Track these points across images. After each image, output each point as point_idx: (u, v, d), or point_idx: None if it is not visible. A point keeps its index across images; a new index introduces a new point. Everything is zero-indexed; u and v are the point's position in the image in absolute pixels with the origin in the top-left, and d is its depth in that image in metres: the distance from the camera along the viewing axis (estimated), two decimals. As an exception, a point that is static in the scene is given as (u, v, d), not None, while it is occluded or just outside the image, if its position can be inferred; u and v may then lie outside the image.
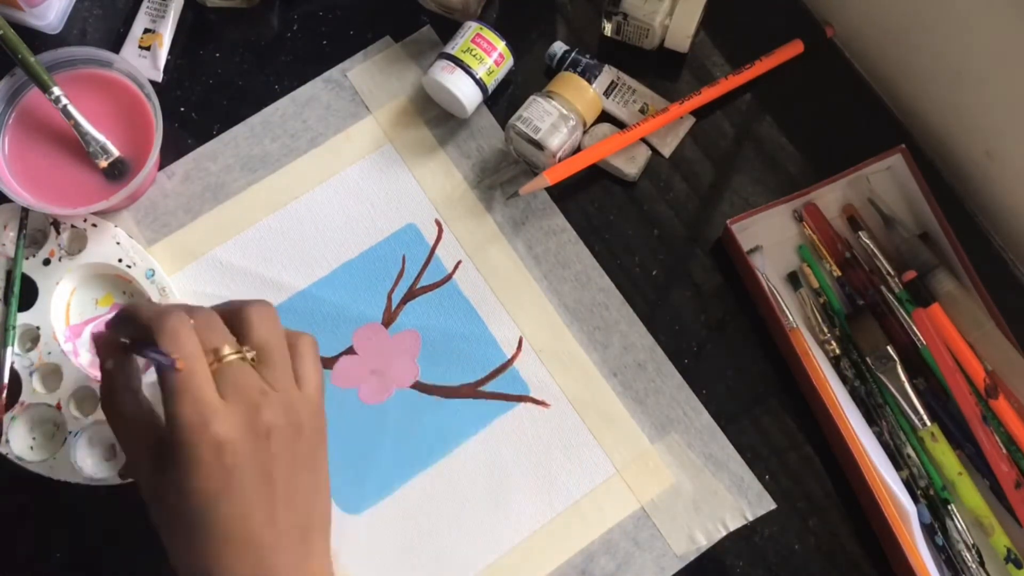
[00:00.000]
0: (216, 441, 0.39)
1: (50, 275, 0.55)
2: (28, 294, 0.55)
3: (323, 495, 0.44)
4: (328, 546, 0.44)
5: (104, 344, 0.43)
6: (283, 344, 0.43)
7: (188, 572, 0.40)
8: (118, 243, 0.56)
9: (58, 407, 0.53)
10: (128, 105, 0.56)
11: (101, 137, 0.54)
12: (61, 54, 0.55)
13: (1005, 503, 0.53)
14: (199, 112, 0.60)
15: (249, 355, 0.42)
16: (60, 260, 0.55)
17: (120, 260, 0.55)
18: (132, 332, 0.43)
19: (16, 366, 0.54)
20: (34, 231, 0.56)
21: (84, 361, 0.55)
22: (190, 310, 0.42)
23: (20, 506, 0.54)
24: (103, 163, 0.54)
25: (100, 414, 0.53)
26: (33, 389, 0.54)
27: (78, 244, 0.56)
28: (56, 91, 0.54)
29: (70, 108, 0.54)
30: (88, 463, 0.53)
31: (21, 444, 0.53)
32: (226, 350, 0.41)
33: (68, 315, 0.56)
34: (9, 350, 0.54)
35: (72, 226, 0.56)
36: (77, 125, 0.54)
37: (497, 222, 0.58)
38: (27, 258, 0.55)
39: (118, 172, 0.55)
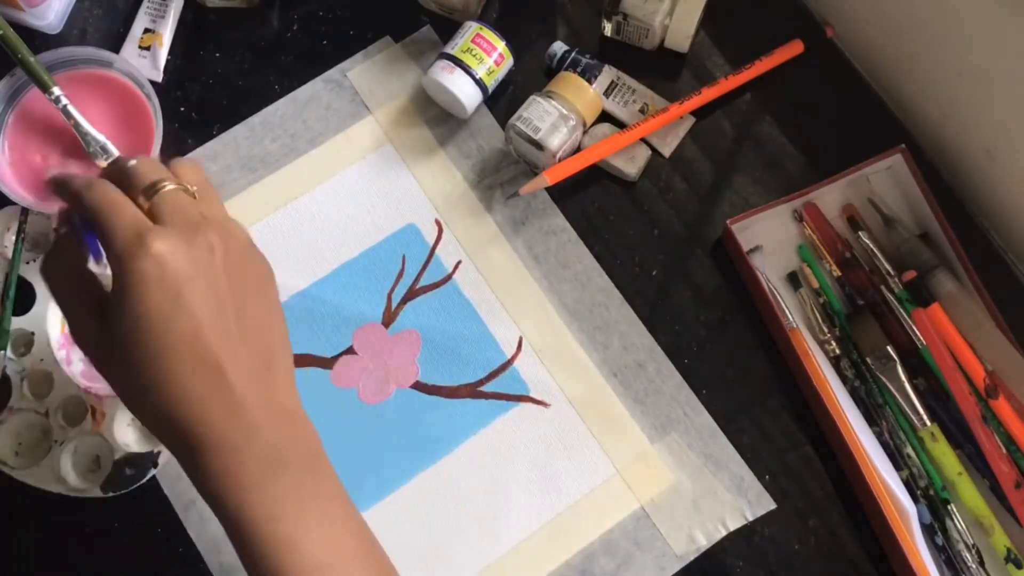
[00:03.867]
0: (159, 257, 0.37)
1: None
2: (26, 299, 0.55)
3: (279, 332, 0.42)
4: (294, 387, 0.42)
5: (61, 212, 0.42)
6: (212, 187, 0.42)
7: (153, 411, 0.38)
8: None
9: (46, 415, 0.53)
10: (128, 105, 0.56)
11: (101, 137, 0.54)
12: (61, 54, 0.55)
13: (1005, 503, 0.53)
14: (199, 112, 0.60)
15: (191, 188, 0.41)
16: (60, 266, 0.55)
17: None
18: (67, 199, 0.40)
19: (7, 370, 0.54)
20: (37, 235, 0.56)
21: (76, 370, 0.55)
22: (124, 159, 0.41)
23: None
24: (103, 163, 0.54)
25: (88, 425, 0.53)
26: (23, 395, 0.54)
27: (79, 251, 0.56)
28: (56, 91, 0.54)
29: (70, 108, 0.54)
30: (72, 473, 0.53)
31: (6, 449, 0.53)
32: (165, 183, 0.39)
33: (64, 322, 0.56)
34: (1, 354, 0.54)
35: None
36: (77, 125, 0.54)
37: (497, 222, 0.58)
38: (28, 262, 0.55)
39: None
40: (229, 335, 0.39)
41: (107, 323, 0.38)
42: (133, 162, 0.40)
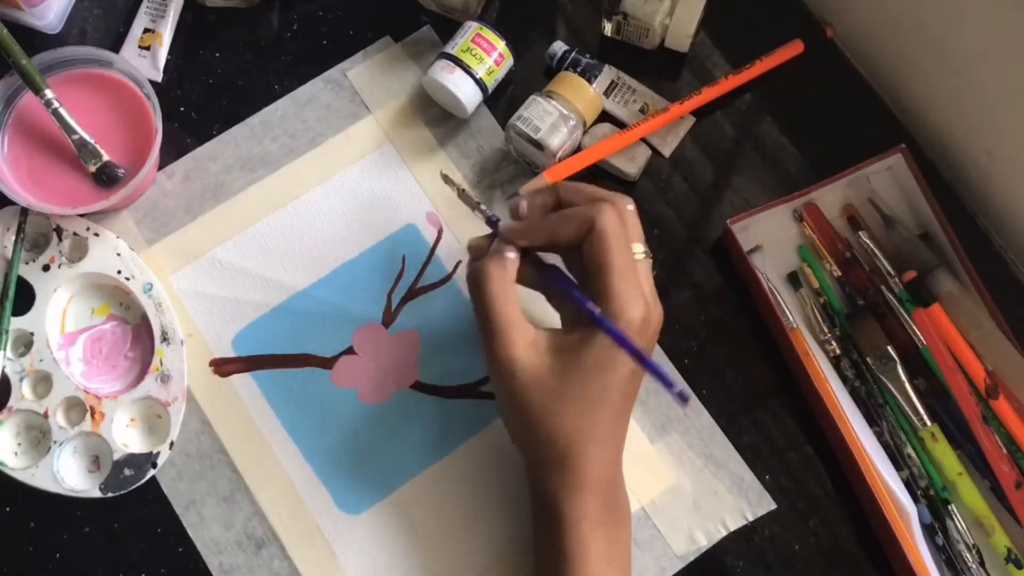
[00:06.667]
0: (654, 335, 0.46)
1: (49, 281, 0.55)
2: (25, 299, 0.55)
3: None
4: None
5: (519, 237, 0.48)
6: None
7: (554, 429, 0.45)
8: (118, 254, 0.56)
9: (45, 415, 0.53)
10: (128, 105, 0.56)
11: (92, 141, 0.54)
12: (60, 54, 0.55)
13: (1005, 503, 0.53)
14: (199, 112, 0.60)
15: (649, 255, 0.48)
16: (60, 267, 0.55)
17: (119, 272, 0.55)
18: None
19: (7, 370, 0.54)
20: (36, 235, 0.56)
21: (75, 371, 0.55)
22: (612, 199, 0.47)
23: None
24: (92, 168, 0.54)
25: (87, 425, 0.53)
26: (22, 395, 0.54)
27: (79, 252, 0.56)
28: (48, 94, 0.53)
29: (61, 111, 0.54)
30: (71, 474, 0.53)
31: (5, 449, 0.53)
32: (638, 248, 0.47)
33: (64, 323, 0.56)
34: (1, 354, 0.54)
35: (74, 233, 0.55)
36: (68, 128, 0.54)
37: (497, 222, 0.58)
38: (27, 262, 0.55)
39: (106, 178, 0.54)
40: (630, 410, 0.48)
41: (565, 353, 0.45)
42: (631, 207, 0.47)
